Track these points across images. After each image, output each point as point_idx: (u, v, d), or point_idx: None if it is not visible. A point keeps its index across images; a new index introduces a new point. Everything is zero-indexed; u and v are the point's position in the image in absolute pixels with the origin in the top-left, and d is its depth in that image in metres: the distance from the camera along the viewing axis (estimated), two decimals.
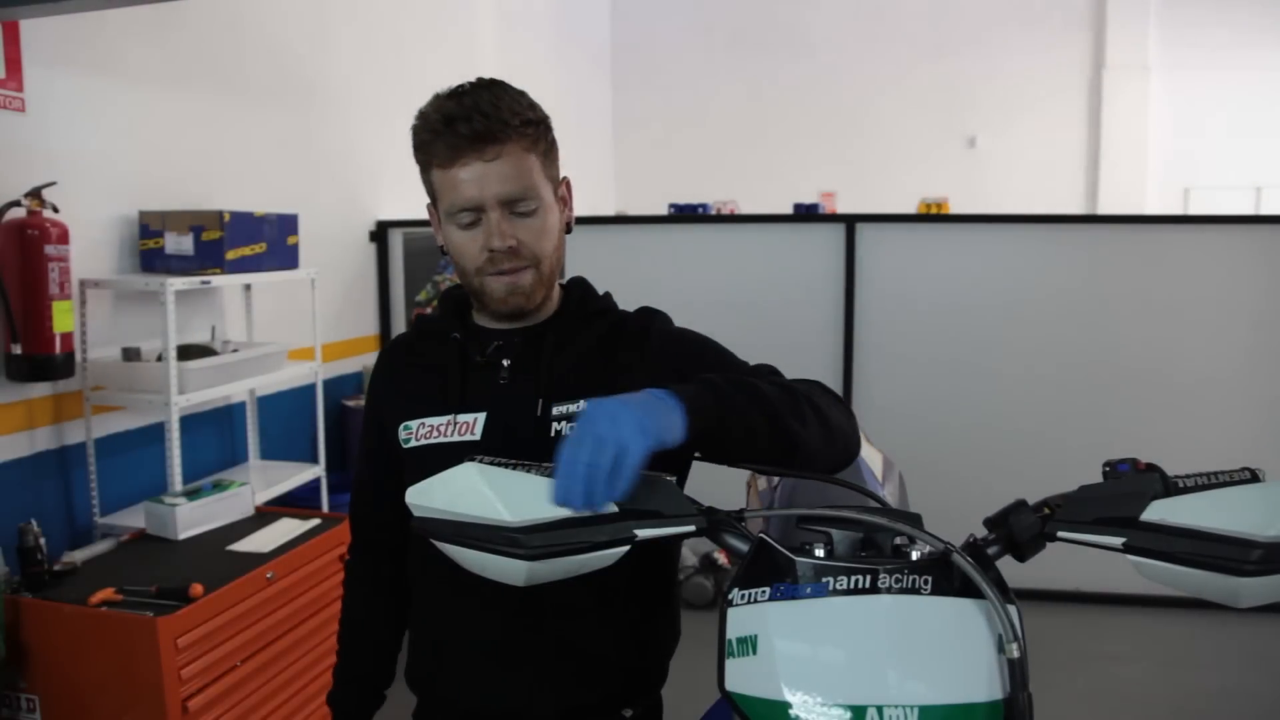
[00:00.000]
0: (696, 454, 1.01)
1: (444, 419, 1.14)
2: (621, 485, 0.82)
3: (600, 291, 1.25)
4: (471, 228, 1.08)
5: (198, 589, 2.04)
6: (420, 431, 1.15)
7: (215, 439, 3.11)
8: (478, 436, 1.12)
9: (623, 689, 1.19)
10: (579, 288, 1.22)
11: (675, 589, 1.28)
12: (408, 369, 1.22)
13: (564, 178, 1.16)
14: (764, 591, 0.80)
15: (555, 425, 1.11)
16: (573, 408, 1.11)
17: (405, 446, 1.16)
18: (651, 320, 1.19)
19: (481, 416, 1.13)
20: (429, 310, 4.14)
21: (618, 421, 0.83)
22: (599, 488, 0.81)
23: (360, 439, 1.28)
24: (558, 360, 1.14)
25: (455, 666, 1.18)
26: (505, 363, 1.15)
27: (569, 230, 1.17)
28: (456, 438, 1.13)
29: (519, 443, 1.08)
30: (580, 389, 1.11)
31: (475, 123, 1.04)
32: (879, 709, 0.74)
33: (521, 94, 1.11)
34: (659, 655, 1.23)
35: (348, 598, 1.31)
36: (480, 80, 1.10)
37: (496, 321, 1.17)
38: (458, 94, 1.07)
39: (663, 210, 5.01)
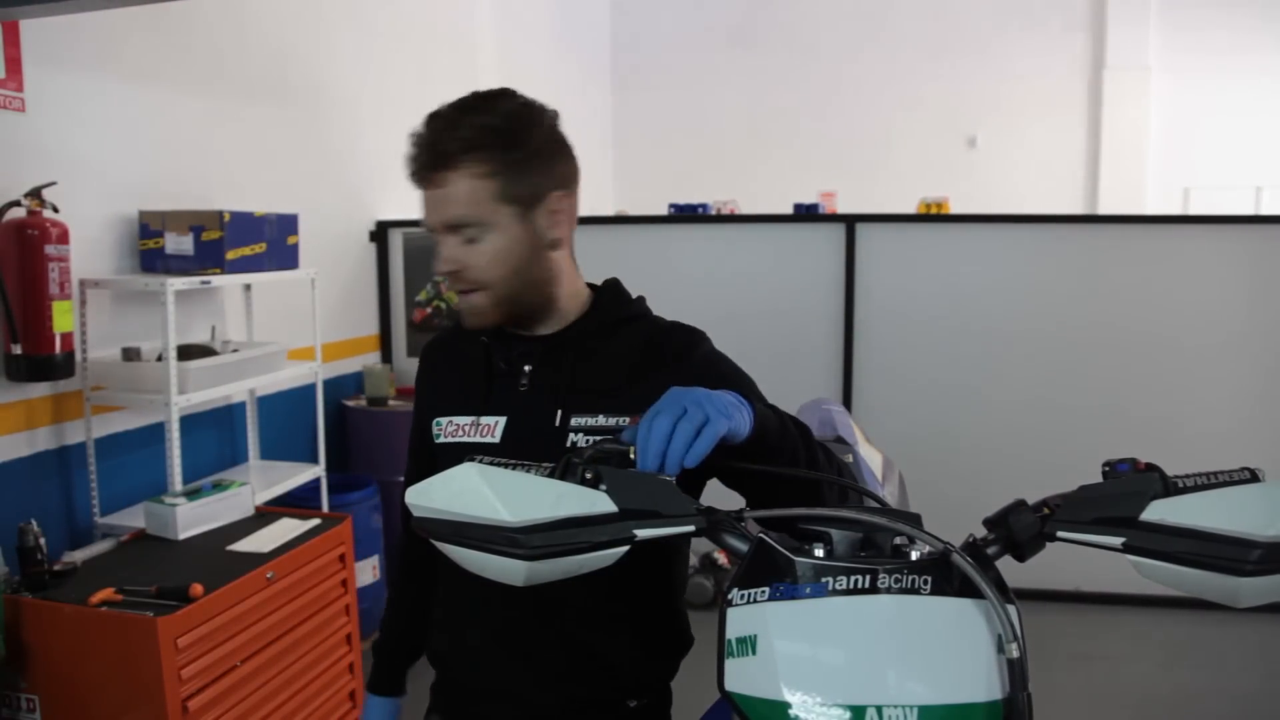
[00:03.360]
0: (724, 473, 1.03)
1: (468, 419, 1.18)
2: (700, 451, 0.87)
3: (635, 295, 1.26)
4: (439, 245, 1.13)
5: (198, 589, 2.04)
6: (448, 429, 1.19)
7: (215, 439, 3.11)
8: (497, 440, 1.15)
9: (626, 685, 1.20)
10: (610, 292, 1.23)
11: (682, 593, 1.29)
12: (445, 366, 1.25)
13: (556, 192, 1.14)
14: (763, 591, 0.80)
15: (572, 436, 1.12)
16: (591, 421, 1.13)
17: (436, 441, 1.20)
18: (695, 345, 1.18)
19: (502, 421, 1.16)
20: (430, 310, 4.14)
21: (704, 400, 0.89)
22: (679, 447, 0.87)
23: (411, 432, 1.33)
24: (579, 371, 1.15)
25: (466, 649, 1.22)
26: (526, 369, 1.17)
27: (554, 246, 1.15)
28: (478, 439, 1.16)
29: (535, 450, 1.07)
30: (602, 403, 1.13)
31: (423, 154, 1.09)
32: (878, 709, 0.73)
33: (503, 115, 1.10)
34: (665, 657, 1.24)
35: (396, 565, 1.42)
36: (470, 96, 1.13)
37: (525, 328, 1.19)
38: (431, 117, 1.11)
39: (663, 210, 5.00)
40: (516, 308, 1.15)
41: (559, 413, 1.13)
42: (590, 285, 1.25)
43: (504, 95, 1.13)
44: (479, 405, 1.18)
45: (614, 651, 1.18)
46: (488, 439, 1.15)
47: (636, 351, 1.16)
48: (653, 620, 1.23)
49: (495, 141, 1.09)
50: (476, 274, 1.11)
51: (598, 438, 1.05)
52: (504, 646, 1.19)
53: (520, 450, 1.06)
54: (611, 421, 1.12)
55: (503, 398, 1.17)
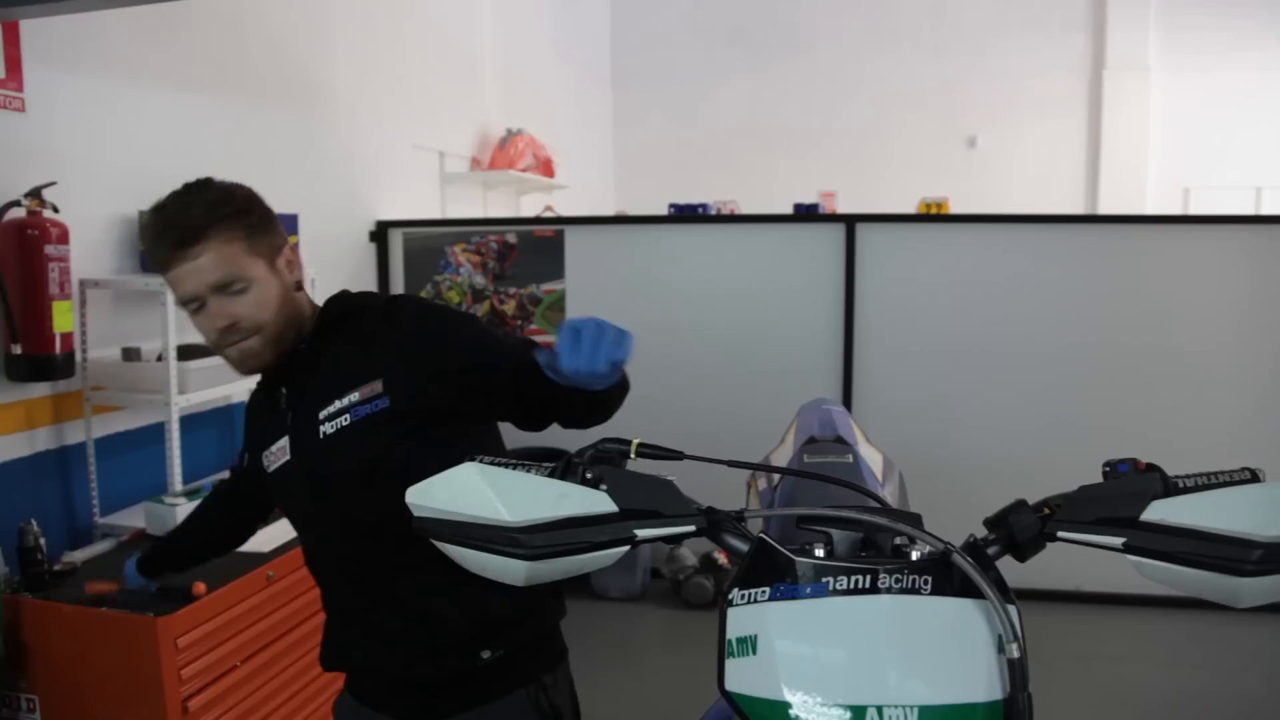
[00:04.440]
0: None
1: (274, 448, 1.38)
2: (625, 351, 0.99)
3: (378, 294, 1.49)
4: (198, 313, 1.29)
5: (200, 587, 2.04)
6: (266, 460, 1.39)
7: (215, 439, 3.11)
8: (288, 457, 1.35)
9: (469, 637, 1.30)
10: (335, 304, 1.40)
11: None
12: (251, 412, 1.48)
13: (285, 244, 1.37)
14: (764, 591, 0.80)
15: (323, 428, 1.29)
16: (340, 403, 1.28)
17: (269, 471, 1.39)
18: (397, 303, 1.36)
19: (285, 439, 1.35)
20: None
21: (604, 321, 1.00)
22: (605, 345, 0.97)
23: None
24: (322, 369, 1.33)
25: (329, 635, 1.43)
26: (283, 390, 1.36)
27: (299, 288, 1.37)
28: (280, 461, 1.36)
29: (307, 452, 1.31)
30: (345, 384, 1.29)
31: (171, 234, 1.24)
32: (879, 709, 0.74)
33: (221, 191, 1.29)
34: (505, 603, 1.30)
35: (207, 500, 1.71)
36: (181, 187, 1.29)
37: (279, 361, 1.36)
38: (158, 208, 1.27)
39: (663, 210, 5.00)
40: (281, 344, 1.33)
41: (316, 410, 1.30)
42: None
43: (210, 182, 1.31)
44: (273, 435, 1.37)
45: (444, 607, 1.30)
46: (283, 460, 1.35)
47: (359, 331, 1.33)
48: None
49: (238, 209, 1.28)
50: (250, 320, 1.28)
51: (342, 419, 1.26)
52: (348, 624, 1.39)
53: (298, 457, 1.33)
54: (361, 394, 1.27)
55: (280, 422, 1.36)
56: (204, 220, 1.24)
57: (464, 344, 1.28)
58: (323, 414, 1.29)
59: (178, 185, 1.30)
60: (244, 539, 1.69)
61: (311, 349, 1.35)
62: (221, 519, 1.67)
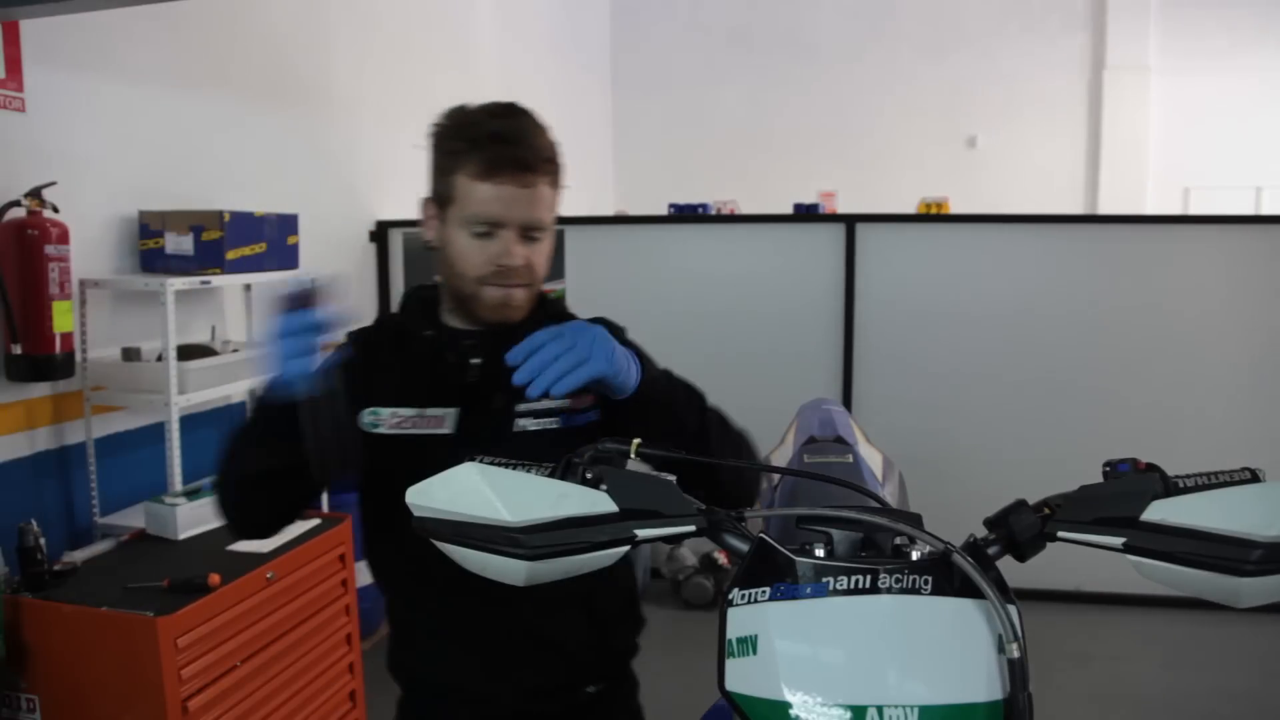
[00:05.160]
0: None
1: (412, 412, 1.20)
2: (570, 384, 0.97)
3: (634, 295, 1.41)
4: (483, 238, 1.16)
5: (215, 578, 2.06)
6: (390, 420, 1.20)
7: (215, 439, 3.09)
8: (451, 430, 1.19)
9: (583, 669, 1.23)
10: (552, 304, 1.32)
11: (632, 570, 1.33)
12: (380, 358, 1.24)
13: None
14: (764, 591, 0.80)
15: (522, 421, 1.20)
16: (551, 403, 1.18)
17: (373, 431, 1.19)
18: (606, 324, 1.27)
19: (453, 412, 1.20)
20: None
21: (594, 342, 1.00)
22: (553, 374, 0.96)
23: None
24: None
25: (424, 652, 1.25)
26: (475, 361, 1.20)
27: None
28: (428, 430, 1.19)
29: (487, 437, 1.16)
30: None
31: (522, 149, 1.14)
32: (879, 709, 0.73)
33: (549, 132, 1.20)
34: (620, 635, 1.27)
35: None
36: (516, 106, 1.19)
37: (469, 323, 1.23)
38: (502, 114, 1.17)
39: (663, 210, 5.00)
40: (530, 307, 1.23)
41: (508, 402, 1.19)
42: None
43: (534, 114, 1.20)
44: (423, 397, 1.20)
45: (568, 636, 1.21)
46: (439, 430, 1.19)
47: None
48: (605, 598, 1.24)
49: (560, 161, 1.21)
50: (535, 270, 1.20)
51: (548, 420, 1.19)
52: (455, 643, 1.22)
53: (472, 438, 1.16)
54: (575, 402, 1.20)
55: (450, 390, 1.20)
56: (549, 155, 1.18)
57: (653, 377, 1.16)
58: (525, 407, 1.19)
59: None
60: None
61: (523, 329, 1.17)
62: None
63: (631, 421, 1.06)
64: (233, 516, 1.18)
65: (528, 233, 1.17)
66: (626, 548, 0.86)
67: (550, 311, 1.28)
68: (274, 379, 1.04)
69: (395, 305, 1.36)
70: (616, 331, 1.25)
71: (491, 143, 1.13)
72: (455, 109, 1.21)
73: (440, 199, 1.21)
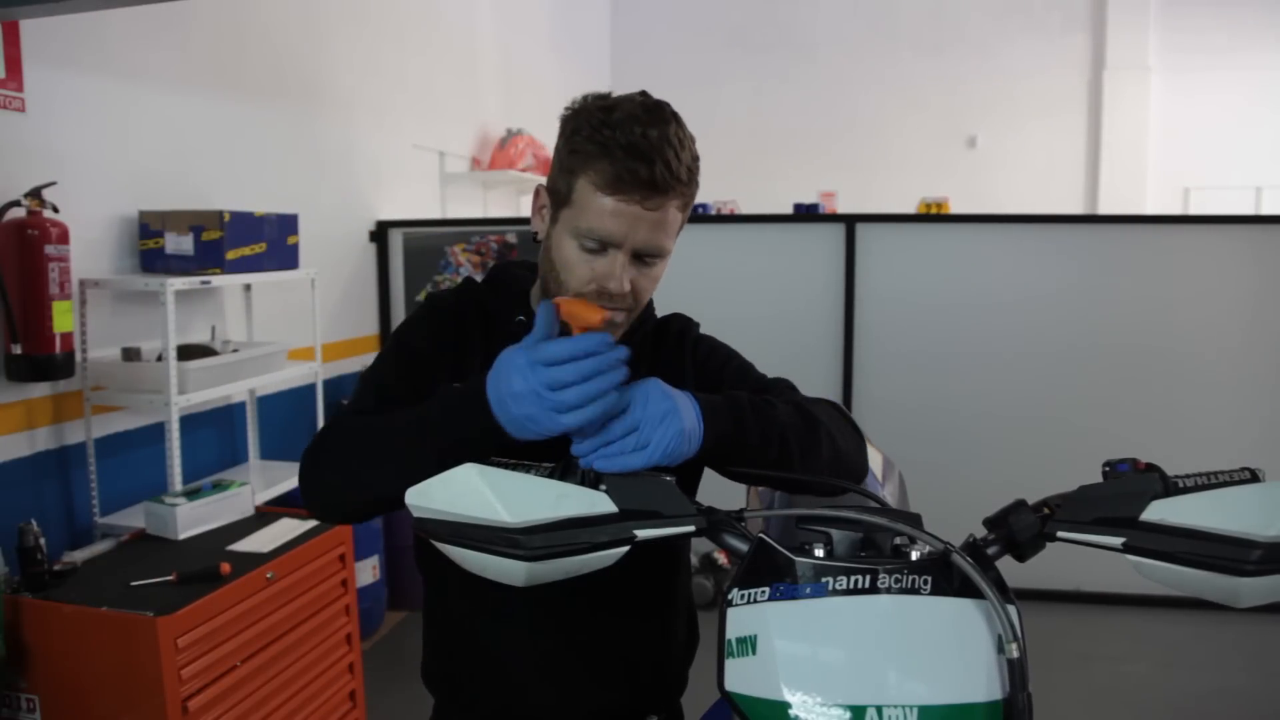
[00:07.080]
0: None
1: None
2: (615, 467, 0.87)
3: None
4: (592, 253, 1.04)
5: (226, 567, 2.08)
6: None
7: (215, 439, 3.11)
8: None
9: (646, 694, 1.19)
10: (675, 319, 1.27)
11: (689, 592, 1.29)
12: (474, 329, 1.16)
13: None
14: (763, 591, 0.80)
15: None
16: None
17: None
18: (689, 324, 1.25)
19: None
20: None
21: (660, 425, 0.89)
22: (605, 454, 0.87)
23: (378, 371, 1.14)
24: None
25: (474, 668, 1.16)
26: None
27: None
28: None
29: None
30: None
31: (657, 169, 1.00)
32: (879, 709, 0.74)
33: (693, 141, 1.08)
34: (681, 658, 1.24)
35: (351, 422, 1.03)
36: (665, 111, 1.06)
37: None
38: (644, 120, 1.03)
39: None
40: (624, 331, 1.13)
41: None
42: None
43: (683, 127, 1.07)
44: None
45: (634, 655, 1.15)
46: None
47: (649, 339, 1.21)
48: (670, 622, 1.21)
49: (696, 183, 1.07)
50: (641, 295, 1.09)
51: None
52: (514, 661, 1.14)
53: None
54: None
55: None
56: (686, 178, 1.04)
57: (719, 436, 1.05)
58: None
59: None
60: None
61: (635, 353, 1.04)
62: None
63: (713, 466, 1.02)
64: (327, 509, 1.03)
65: (642, 257, 1.06)
66: (626, 548, 0.86)
67: (643, 315, 1.20)
68: (524, 415, 0.87)
69: (398, 306, 1.32)
70: (686, 331, 1.22)
71: (624, 154, 1.00)
72: (596, 98, 1.09)
73: (556, 195, 1.08)
